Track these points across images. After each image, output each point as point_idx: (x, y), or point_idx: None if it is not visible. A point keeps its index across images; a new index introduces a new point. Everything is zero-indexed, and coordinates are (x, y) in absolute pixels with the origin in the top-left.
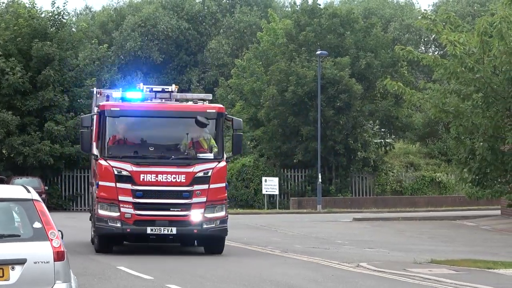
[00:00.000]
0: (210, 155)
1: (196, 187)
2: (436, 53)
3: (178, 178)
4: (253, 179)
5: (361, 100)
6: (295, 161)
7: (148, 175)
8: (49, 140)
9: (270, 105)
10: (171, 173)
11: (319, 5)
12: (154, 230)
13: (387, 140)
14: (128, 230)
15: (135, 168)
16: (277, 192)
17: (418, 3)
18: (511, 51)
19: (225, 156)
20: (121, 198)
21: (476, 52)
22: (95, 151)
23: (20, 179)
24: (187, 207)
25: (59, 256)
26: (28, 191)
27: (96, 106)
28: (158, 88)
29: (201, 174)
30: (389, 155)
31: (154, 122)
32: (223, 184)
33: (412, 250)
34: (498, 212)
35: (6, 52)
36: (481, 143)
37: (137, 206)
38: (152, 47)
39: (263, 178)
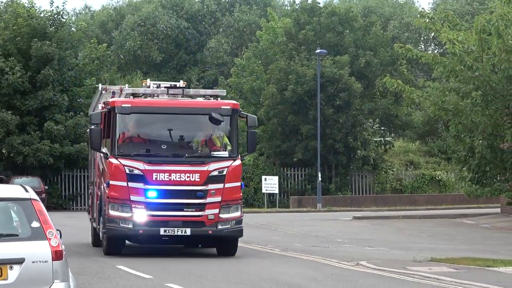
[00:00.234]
0: (225, 153)
1: (210, 186)
2: (435, 51)
3: (192, 177)
4: (253, 178)
5: (361, 98)
6: (295, 159)
7: (161, 174)
8: (48, 139)
9: (270, 104)
10: (185, 171)
11: (319, 3)
12: (167, 231)
13: (386, 139)
14: (141, 231)
15: (147, 167)
16: (277, 191)
17: (418, 1)
18: (510, 49)
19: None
20: (133, 198)
21: (475, 50)
22: (104, 149)
23: (20, 179)
24: (202, 207)
25: (57, 255)
26: (26, 191)
27: (102, 103)
28: (166, 84)
29: (216, 173)
30: (388, 154)
31: (166, 119)
32: (239, 183)
33: (412, 249)
34: (498, 210)
35: (5, 52)
36: (480, 141)
37: (149, 206)
38: (152, 46)
39: (263, 177)
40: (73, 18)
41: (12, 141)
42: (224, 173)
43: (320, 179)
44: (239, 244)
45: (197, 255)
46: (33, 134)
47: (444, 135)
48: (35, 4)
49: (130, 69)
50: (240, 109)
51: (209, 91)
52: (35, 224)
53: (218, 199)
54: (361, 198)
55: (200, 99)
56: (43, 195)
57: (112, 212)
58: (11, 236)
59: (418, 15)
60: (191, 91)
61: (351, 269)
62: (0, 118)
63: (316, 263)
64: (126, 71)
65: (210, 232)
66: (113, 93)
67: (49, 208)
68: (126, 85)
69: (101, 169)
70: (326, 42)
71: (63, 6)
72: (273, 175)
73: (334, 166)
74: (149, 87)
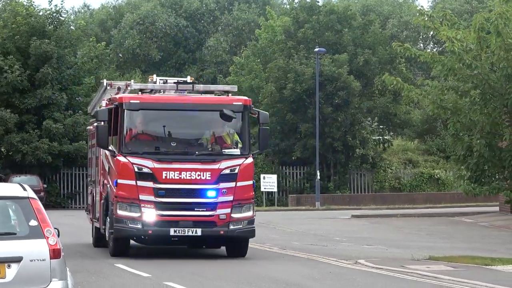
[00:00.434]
0: (237, 151)
1: (222, 185)
2: (434, 50)
3: (203, 176)
4: None
5: (359, 97)
6: (293, 158)
7: (171, 172)
8: (47, 138)
9: (269, 103)
10: (196, 170)
11: (318, 2)
12: (177, 231)
13: (385, 137)
14: (150, 231)
15: (157, 165)
16: (275, 189)
17: (417, 0)
18: (509, 48)
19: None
20: (142, 197)
21: (474, 48)
22: (110, 146)
23: (18, 177)
24: (213, 206)
25: (55, 253)
26: (25, 189)
27: (107, 100)
28: (174, 79)
29: (227, 171)
30: (387, 152)
31: (176, 115)
32: (251, 182)
33: (410, 247)
34: (497, 208)
35: (4, 50)
36: (479, 140)
37: (159, 205)
38: (151, 44)
39: (262, 175)
40: (72, 17)
41: (11, 139)
42: (236, 171)
43: (318, 177)
44: None
45: (196, 255)
46: (32, 133)
47: (442, 133)
48: (34, 2)
49: (129, 68)
50: (252, 105)
51: (219, 87)
52: (33, 222)
53: (230, 198)
54: (359, 197)
55: (209, 95)
56: (42, 194)
57: (120, 212)
58: (9, 235)
59: (417, 14)
60: (201, 87)
61: (350, 268)
62: None
63: (314, 262)
64: (125, 70)
65: (221, 232)
66: (119, 88)
67: (47, 206)
68: (132, 80)
69: (106, 168)
70: (324, 40)
71: (62, 4)
72: (271, 173)
73: (333, 165)
74: (155, 83)
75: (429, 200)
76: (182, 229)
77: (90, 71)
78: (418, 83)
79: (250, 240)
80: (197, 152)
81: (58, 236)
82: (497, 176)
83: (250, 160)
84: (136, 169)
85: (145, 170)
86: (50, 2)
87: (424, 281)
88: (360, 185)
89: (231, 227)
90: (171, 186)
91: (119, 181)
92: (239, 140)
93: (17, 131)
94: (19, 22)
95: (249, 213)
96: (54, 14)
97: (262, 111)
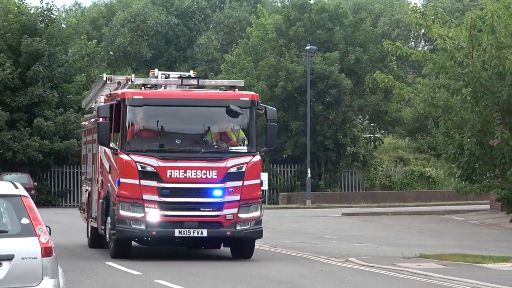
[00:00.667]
0: (244, 148)
1: (229, 184)
2: (425, 48)
3: (209, 174)
4: None
5: (351, 95)
6: (284, 156)
7: (175, 171)
8: (38, 136)
9: (260, 101)
10: (201, 168)
11: (309, 0)
12: (182, 232)
13: (376, 135)
14: (154, 232)
15: (161, 163)
16: (266, 187)
17: None
18: (501, 46)
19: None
20: (145, 197)
21: (465, 46)
22: (112, 144)
23: (9, 175)
24: (219, 206)
25: (47, 252)
26: (16, 187)
27: (105, 95)
28: (176, 74)
29: (234, 169)
30: (378, 150)
31: (181, 111)
32: (258, 181)
33: (401, 245)
34: (487, 206)
35: None
36: (470, 138)
37: (163, 205)
38: (142, 42)
39: None
40: (63, 15)
41: (2, 137)
42: (243, 169)
43: (309, 175)
44: None
45: (188, 254)
46: (23, 131)
47: (433, 131)
48: (25, 0)
49: (120, 66)
50: (259, 101)
51: (225, 82)
52: (25, 220)
53: (237, 197)
54: (350, 195)
55: (213, 91)
56: (33, 192)
57: (123, 212)
58: (1, 233)
59: (410, 11)
60: (206, 82)
61: (340, 266)
62: None
63: (305, 260)
64: (116, 68)
65: (228, 233)
66: (119, 83)
67: (38, 204)
68: (133, 75)
69: (107, 166)
70: (316, 38)
71: (53, 2)
72: (262, 171)
73: (324, 163)
74: (157, 77)
75: (419, 198)
76: (187, 230)
77: (81, 69)
78: (410, 81)
79: None
80: (202, 150)
81: (50, 234)
82: (488, 174)
83: (257, 158)
84: (139, 168)
85: (148, 168)
86: (42, 0)
87: (414, 279)
88: (351, 183)
89: (238, 227)
90: (175, 185)
91: (122, 180)
92: (245, 137)
93: (8, 129)
94: (10, 20)
95: (257, 213)
96: (45, 12)
97: (269, 106)
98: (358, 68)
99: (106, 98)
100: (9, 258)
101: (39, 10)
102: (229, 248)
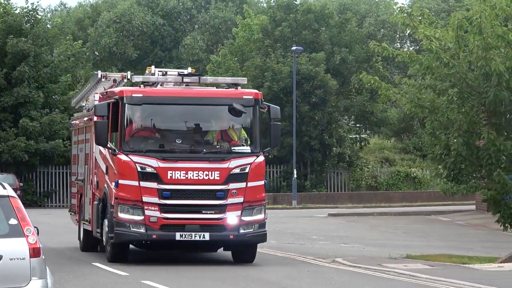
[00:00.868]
0: (247, 149)
1: (232, 185)
2: (411, 48)
3: (211, 176)
4: None
5: (336, 95)
6: (270, 156)
7: (176, 172)
8: (24, 136)
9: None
10: (203, 169)
11: (295, 0)
12: (184, 236)
13: (362, 136)
14: (154, 236)
15: (161, 164)
16: None
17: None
18: (487, 47)
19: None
20: (145, 199)
21: (452, 47)
22: (109, 144)
23: None
24: (222, 209)
25: (35, 252)
26: (4, 188)
27: (100, 93)
28: (174, 71)
29: (237, 170)
30: (364, 151)
31: (182, 110)
32: (262, 182)
33: (387, 245)
34: (473, 207)
35: None
36: (456, 139)
37: (164, 208)
38: (127, 43)
39: None
40: (48, 15)
41: None
42: (247, 170)
43: (295, 176)
44: None
45: (176, 256)
46: (9, 131)
47: (419, 132)
48: (10, 0)
49: (106, 66)
50: (262, 99)
51: (228, 79)
52: (13, 221)
53: (240, 200)
54: (336, 195)
55: (214, 89)
56: (18, 192)
57: (122, 215)
58: None
59: (396, 11)
60: (208, 79)
61: (327, 266)
62: None
63: (291, 260)
64: (101, 68)
65: (231, 237)
66: (114, 81)
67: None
68: (129, 72)
69: (103, 167)
70: (302, 39)
71: (38, 2)
72: None
73: (310, 163)
74: (153, 75)
75: (405, 198)
76: (189, 233)
77: (66, 69)
78: (396, 82)
79: None
80: (204, 150)
81: (38, 234)
82: (474, 175)
83: (261, 158)
84: (139, 169)
85: (148, 169)
86: (27, 0)
87: (401, 279)
88: (337, 184)
89: (241, 231)
90: (176, 187)
91: (120, 181)
92: (246, 137)
93: None
94: None
95: (261, 216)
96: (30, 13)
97: (273, 105)
98: (344, 68)
99: (101, 96)
100: None
101: (25, 10)
102: (230, 252)
